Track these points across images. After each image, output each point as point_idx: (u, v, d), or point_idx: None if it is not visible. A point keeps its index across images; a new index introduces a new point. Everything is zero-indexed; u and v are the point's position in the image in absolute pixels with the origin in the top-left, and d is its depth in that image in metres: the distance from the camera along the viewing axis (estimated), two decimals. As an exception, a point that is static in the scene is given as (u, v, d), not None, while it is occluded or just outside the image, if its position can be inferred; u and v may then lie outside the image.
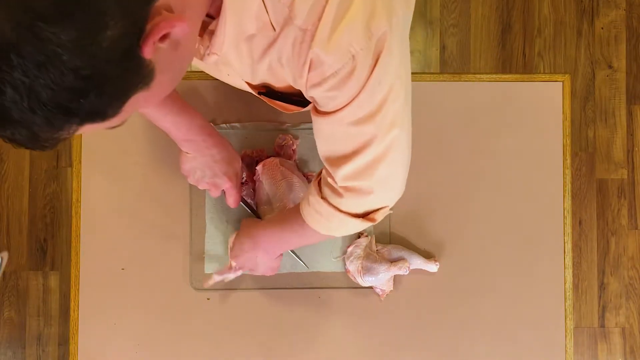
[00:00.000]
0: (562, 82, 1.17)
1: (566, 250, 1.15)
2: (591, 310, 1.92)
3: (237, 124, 1.14)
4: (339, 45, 0.62)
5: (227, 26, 0.65)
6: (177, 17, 0.53)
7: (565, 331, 1.14)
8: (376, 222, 0.84)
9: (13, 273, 1.89)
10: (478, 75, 1.17)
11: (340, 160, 0.76)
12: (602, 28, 1.98)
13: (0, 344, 1.88)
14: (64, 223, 1.90)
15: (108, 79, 0.50)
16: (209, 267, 1.12)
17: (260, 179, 1.08)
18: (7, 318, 1.89)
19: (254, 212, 1.11)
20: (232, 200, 1.06)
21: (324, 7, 0.61)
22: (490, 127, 1.16)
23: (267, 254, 1.03)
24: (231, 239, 1.06)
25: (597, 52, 1.97)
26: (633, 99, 1.96)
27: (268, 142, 1.14)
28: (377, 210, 0.84)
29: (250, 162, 1.12)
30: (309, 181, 1.11)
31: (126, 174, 1.14)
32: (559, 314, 1.14)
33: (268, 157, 1.12)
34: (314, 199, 0.85)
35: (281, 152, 1.12)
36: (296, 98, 0.79)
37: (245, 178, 1.11)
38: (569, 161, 1.16)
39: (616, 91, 1.96)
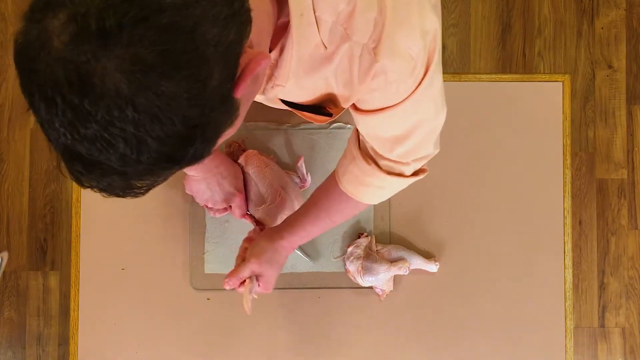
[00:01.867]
0: (562, 82, 1.17)
1: (566, 250, 1.15)
2: (591, 310, 1.92)
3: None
4: (401, 52, 0.65)
5: (293, 56, 0.66)
6: (261, 54, 0.53)
7: (565, 331, 1.14)
8: (426, 173, 0.89)
9: (13, 273, 1.89)
10: (478, 75, 1.17)
11: (398, 141, 0.78)
12: (602, 28, 1.97)
13: (0, 344, 1.88)
14: (64, 223, 1.89)
15: (210, 125, 0.50)
16: (208, 267, 1.12)
17: (247, 170, 1.08)
18: (7, 318, 1.89)
19: (256, 223, 1.10)
20: (239, 212, 1.07)
21: (383, 22, 0.63)
22: (491, 127, 1.16)
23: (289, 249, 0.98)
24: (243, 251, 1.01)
25: (597, 52, 1.97)
26: (633, 99, 1.96)
27: (268, 142, 1.14)
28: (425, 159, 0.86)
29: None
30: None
31: (126, 174, 1.13)
32: (559, 314, 1.14)
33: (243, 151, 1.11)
34: (377, 179, 0.85)
35: (233, 158, 1.11)
36: (314, 108, 0.80)
37: None
38: (569, 161, 1.16)
39: (616, 91, 1.96)
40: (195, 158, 0.52)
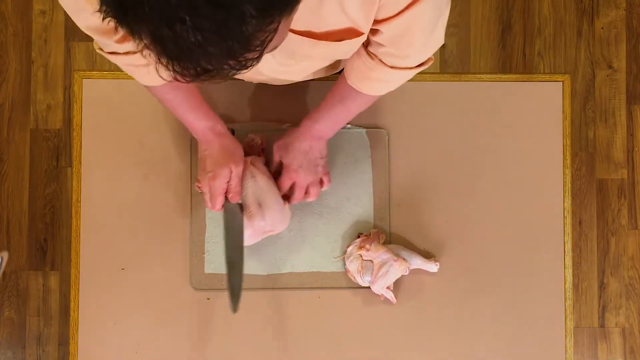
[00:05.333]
0: (562, 82, 1.17)
1: (566, 250, 1.15)
2: (591, 310, 1.92)
3: (237, 124, 1.14)
4: None
5: None
6: None
7: (565, 331, 1.14)
8: (432, 62, 0.91)
9: (13, 273, 1.89)
10: (478, 75, 1.17)
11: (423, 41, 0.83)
12: (602, 28, 1.98)
13: (0, 344, 1.88)
14: (64, 223, 1.90)
15: None
16: (208, 267, 1.12)
17: None
18: (7, 318, 1.89)
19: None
20: (207, 198, 1.04)
21: None
22: (490, 127, 1.16)
23: (321, 140, 1.05)
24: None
25: (597, 52, 1.97)
26: (633, 99, 1.96)
27: (268, 142, 1.13)
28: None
29: None
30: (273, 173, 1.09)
31: (126, 173, 1.14)
32: (559, 314, 1.14)
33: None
34: (382, 72, 0.88)
35: (250, 152, 1.11)
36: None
37: None
38: (569, 161, 1.16)
39: (616, 91, 1.96)
40: None
